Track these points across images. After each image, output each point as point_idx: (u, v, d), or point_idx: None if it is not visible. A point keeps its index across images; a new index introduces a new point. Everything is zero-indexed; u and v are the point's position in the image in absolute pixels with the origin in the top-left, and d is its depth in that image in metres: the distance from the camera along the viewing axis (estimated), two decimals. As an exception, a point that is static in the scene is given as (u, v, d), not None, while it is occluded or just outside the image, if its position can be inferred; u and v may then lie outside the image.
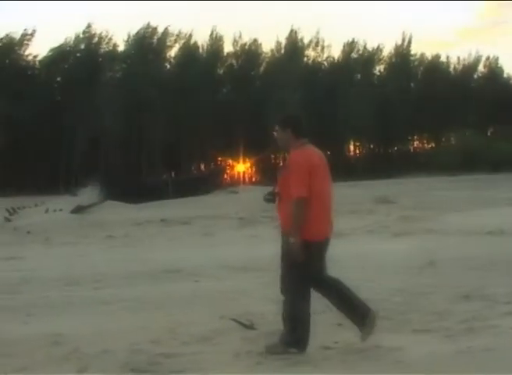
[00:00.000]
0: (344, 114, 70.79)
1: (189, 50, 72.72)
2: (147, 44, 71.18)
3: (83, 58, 68.74)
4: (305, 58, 79.61)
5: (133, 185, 41.74)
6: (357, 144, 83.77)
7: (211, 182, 41.63)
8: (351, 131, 74.89)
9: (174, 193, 35.25)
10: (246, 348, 5.81)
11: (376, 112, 71.63)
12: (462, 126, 73.54)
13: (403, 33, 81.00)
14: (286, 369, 5.16)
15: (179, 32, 72.83)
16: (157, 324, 6.60)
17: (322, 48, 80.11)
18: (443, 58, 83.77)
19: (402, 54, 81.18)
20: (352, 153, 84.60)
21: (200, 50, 74.57)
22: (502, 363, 5.10)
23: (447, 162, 61.94)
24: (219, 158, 72.84)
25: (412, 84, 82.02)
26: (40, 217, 28.29)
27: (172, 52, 73.92)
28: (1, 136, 59.72)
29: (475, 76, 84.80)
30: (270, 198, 5.90)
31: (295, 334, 5.60)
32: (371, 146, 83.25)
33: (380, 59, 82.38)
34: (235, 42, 75.93)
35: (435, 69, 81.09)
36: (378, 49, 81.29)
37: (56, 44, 69.11)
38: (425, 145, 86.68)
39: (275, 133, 5.96)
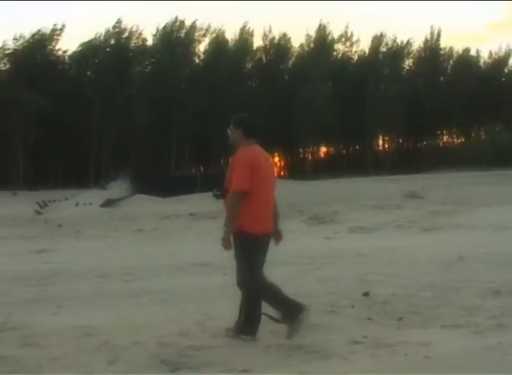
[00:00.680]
0: (373, 108, 70.49)
1: (218, 44, 72.81)
2: (175, 39, 71.41)
3: (112, 53, 69.16)
4: (334, 53, 79.39)
5: (162, 179, 42.00)
6: (386, 138, 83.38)
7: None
8: (380, 126, 74.56)
9: (202, 187, 35.35)
10: (276, 341, 5.83)
11: (405, 107, 71.26)
12: (492, 121, 72.89)
13: (432, 27, 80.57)
14: (316, 362, 5.17)
15: (208, 26, 73.05)
16: (186, 317, 6.64)
17: (351, 42, 79.91)
18: (473, 52, 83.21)
19: (431, 48, 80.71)
20: (381, 148, 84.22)
21: (230, 44, 74.64)
22: (532, 359, 5.06)
23: (477, 157, 61.42)
24: (248, 152, 73.01)
25: (441, 78, 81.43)
26: (71, 210, 28.59)
27: (201, 47, 74.13)
28: (32, 130, 60.26)
29: (506, 70, 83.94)
30: (218, 194, 6.17)
31: (285, 310, 5.93)
32: (400, 141, 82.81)
33: (409, 53, 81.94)
34: (264, 36, 75.95)
35: (464, 62, 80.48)
36: (408, 43, 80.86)
37: (86, 40, 69.67)
38: (455, 140, 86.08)
39: (228, 131, 6.34)
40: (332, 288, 8.07)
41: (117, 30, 71.40)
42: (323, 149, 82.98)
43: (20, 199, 42.26)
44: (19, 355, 5.60)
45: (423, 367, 4.93)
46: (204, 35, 73.60)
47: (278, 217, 6.47)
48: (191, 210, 24.99)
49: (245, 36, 75.30)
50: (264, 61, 75.79)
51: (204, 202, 28.72)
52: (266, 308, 6.09)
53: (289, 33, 76.67)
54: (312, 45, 77.55)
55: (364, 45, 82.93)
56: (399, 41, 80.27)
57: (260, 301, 6.06)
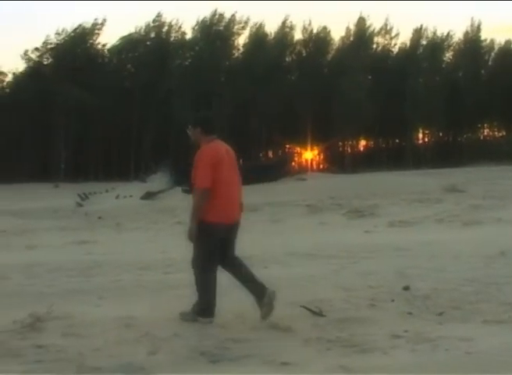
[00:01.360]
0: (413, 101, 69.89)
1: (257, 37, 72.80)
2: (214, 32, 71.54)
3: (152, 47, 69.57)
4: (374, 46, 78.88)
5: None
6: (426, 131, 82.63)
7: (279, 169, 41.60)
8: (420, 119, 73.88)
9: (242, 180, 35.37)
10: (315, 334, 5.83)
11: (445, 100, 70.56)
12: (535, 114, 71.87)
13: (472, 18, 79.62)
14: (355, 355, 5.16)
15: (247, 19, 73.10)
16: (225, 309, 6.66)
17: (391, 35, 79.33)
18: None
19: (471, 40, 79.66)
20: (421, 141, 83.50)
21: (269, 37, 74.58)
22: None
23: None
24: (287, 146, 72.86)
25: (482, 71, 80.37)
26: (111, 203, 28.86)
27: (241, 40, 74.18)
28: (74, 123, 60.94)
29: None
30: (187, 189, 6.41)
31: (202, 304, 6.35)
32: (440, 134, 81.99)
33: (449, 46, 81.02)
34: (304, 30, 75.74)
35: (506, 55, 79.23)
36: (448, 36, 79.98)
37: (126, 33, 70.19)
38: (496, 133, 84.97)
39: (188, 132, 6.70)
40: (372, 282, 8.04)
41: (157, 23, 71.78)
42: (362, 142, 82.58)
43: (62, 191, 42.86)
44: (62, 344, 5.68)
45: (464, 363, 4.90)
46: (244, 28, 73.69)
47: (242, 206, 6.92)
48: (230, 203, 25.05)
49: (285, 29, 75.17)
50: (304, 54, 75.55)
51: (244, 195, 28.81)
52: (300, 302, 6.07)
53: (329, 27, 76.33)
54: (352, 38, 77.14)
55: (403, 38, 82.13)
56: (439, 33, 79.50)
57: (212, 283, 6.46)
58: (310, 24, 75.80)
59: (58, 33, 68.59)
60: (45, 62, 68.60)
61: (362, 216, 19.44)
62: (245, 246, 12.31)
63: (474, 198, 23.18)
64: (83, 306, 7.10)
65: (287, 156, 62.86)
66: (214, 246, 6.41)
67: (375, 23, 78.18)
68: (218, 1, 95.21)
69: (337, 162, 70.72)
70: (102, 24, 70.54)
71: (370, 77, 71.04)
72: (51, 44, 68.53)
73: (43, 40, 68.83)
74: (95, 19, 70.56)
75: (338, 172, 54.95)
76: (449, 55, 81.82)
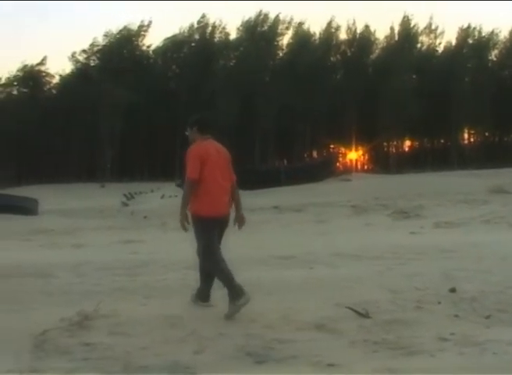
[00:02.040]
0: (458, 101, 69.13)
1: (302, 37, 72.71)
2: (258, 32, 71.63)
3: (197, 48, 69.99)
4: (418, 45, 78.23)
5: (246, 172, 42.28)
6: (472, 132, 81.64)
7: (324, 169, 41.53)
8: (465, 119, 73.00)
9: (287, 180, 35.43)
10: (362, 336, 5.80)
11: (491, 99, 69.64)
12: None
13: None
14: (402, 358, 5.12)
15: (291, 19, 73.09)
16: (271, 310, 6.66)
17: (436, 34, 78.57)
18: None
19: (518, 37, 78.48)
20: (466, 141, 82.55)
21: (313, 37, 74.46)
22: None
23: None
24: (331, 146, 72.65)
25: (530, 69, 79.18)
26: (157, 202, 29.04)
27: (285, 40, 74.18)
28: (119, 123, 61.56)
29: None
30: (181, 184, 6.58)
31: (229, 288, 6.66)
32: (486, 134, 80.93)
33: (495, 44, 79.91)
34: (348, 30, 75.47)
35: (555, 52, 77.91)
36: (493, 34, 78.87)
37: (170, 35, 70.76)
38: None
39: (186, 133, 7.16)
40: (418, 284, 7.96)
41: (201, 24, 72.14)
42: (407, 143, 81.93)
43: (108, 191, 43.39)
44: (109, 342, 5.74)
45: (513, 367, 4.84)
46: (288, 28, 73.66)
47: (239, 202, 7.25)
48: (275, 203, 25.06)
49: (330, 30, 74.97)
50: (349, 54, 75.25)
51: (289, 195, 28.79)
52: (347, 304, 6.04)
53: (374, 26, 75.98)
54: (396, 38, 76.60)
55: (448, 37, 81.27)
56: (484, 31, 78.46)
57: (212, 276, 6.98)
58: (354, 24, 75.55)
59: (105, 35, 69.48)
60: (92, 64, 69.45)
61: (407, 217, 19.30)
62: (290, 246, 12.39)
63: (522, 199, 22.86)
64: (129, 305, 7.16)
65: (332, 156, 62.65)
66: (212, 235, 6.83)
67: (419, 22, 77.48)
68: (263, 0, 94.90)
69: (382, 163, 70.30)
70: (148, 26, 71.28)
71: (415, 77, 70.46)
72: (97, 46, 69.42)
73: (90, 42, 69.73)
74: (141, 21, 71.35)
75: (383, 172, 54.61)
76: (495, 54, 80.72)
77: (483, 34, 78.54)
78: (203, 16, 72.07)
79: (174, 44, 70.77)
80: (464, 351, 5.26)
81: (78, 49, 70.42)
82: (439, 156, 72.62)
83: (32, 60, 78.71)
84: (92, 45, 69.50)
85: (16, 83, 70.79)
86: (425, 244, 12.29)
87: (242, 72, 65.57)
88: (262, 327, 6.19)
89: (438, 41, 79.00)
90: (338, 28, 74.88)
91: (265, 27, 72.75)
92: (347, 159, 72.78)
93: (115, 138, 64.28)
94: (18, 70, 70.87)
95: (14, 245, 15.46)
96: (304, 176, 36.28)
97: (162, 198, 32.13)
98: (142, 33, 71.41)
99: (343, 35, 75.92)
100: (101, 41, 69.52)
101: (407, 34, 76.07)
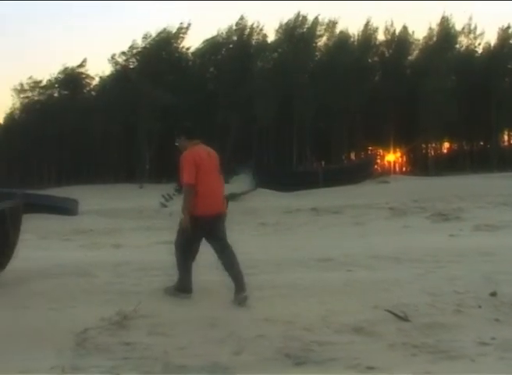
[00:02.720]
0: (498, 103, 68.32)
1: (339, 39, 72.50)
2: (297, 34, 71.53)
3: (235, 50, 70.01)
4: (457, 46, 77.45)
5: (284, 174, 42.28)
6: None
7: (362, 171, 41.33)
8: (506, 121, 72.10)
9: (324, 182, 35.34)
10: (401, 339, 5.76)
11: (533, 101, 68.71)
12: None
13: None
14: (442, 362, 5.08)
15: (329, 21, 72.92)
16: (309, 312, 6.65)
17: (475, 34, 77.73)
18: None
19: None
20: (506, 143, 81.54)
21: (351, 39, 74.17)
22: None
23: None
24: (369, 148, 72.26)
25: None
26: (194, 204, 29.06)
27: (322, 41, 73.98)
28: (158, 125, 61.90)
29: None
30: (178, 189, 6.77)
31: (181, 282, 7.62)
32: (528, 136, 79.82)
33: (535, 44, 78.73)
34: (386, 31, 75.04)
35: None
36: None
37: (208, 37, 71.03)
38: None
39: (175, 143, 8.00)
40: (458, 287, 7.88)
41: (240, 26, 72.28)
42: (446, 145, 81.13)
43: (146, 192, 43.60)
44: (148, 342, 5.79)
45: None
46: (326, 30, 73.46)
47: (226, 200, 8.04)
48: (313, 205, 24.99)
49: (368, 31, 74.59)
50: (387, 55, 74.75)
51: (327, 197, 28.72)
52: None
53: (412, 27, 75.33)
54: (435, 38, 75.87)
55: (487, 37, 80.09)
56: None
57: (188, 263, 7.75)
58: (392, 25, 75.07)
59: (145, 38, 69.97)
60: (131, 66, 69.99)
61: (447, 220, 19.08)
62: (328, 248, 12.34)
63: None
64: (168, 305, 7.21)
65: (370, 158, 62.27)
66: (195, 234, 7.44)
67: (458, 22, 76.67)
68: (300, 1, 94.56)
69: (420, 165, 69.74)
70: (187, 28, 71.54)
71: (454, 78, 69.75)
72: (137, 48, 69.90)
73: (129, 44, 70.25)
74: (180, 23, 71.71)
75: (421, 174, 54.15)
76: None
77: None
78: (241, 18, 72.18)
79: (212, 46, 70.94)
80: (504, 355, 5.20)
81: (117, 51, 70.84)
82: (477, 158, 71.78)
83: (73, 62, 79.17)
84: (131, 47, 69.94)
85: (57, 86, 71.48)
86: (465, 246, 12.14)
87: (280, 73, 65.46)
88: (301, 329, 6.18)
89: (477, 42, 78.08)
90: (376, 29, 74.37)
91: (304, 29, 72.60)
92: (385, 161, 72.32)
93: (153, 139, 64.62)
94: (59, 73, 71.68)
95: (55, 245, 15.65)
96: (342, 178, 36.14)
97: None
98: (181, 35, 71.72)
99: (380, 36, 75.40)
100: (140, 43, 69.96)
101: (445, 35, 75.23)
